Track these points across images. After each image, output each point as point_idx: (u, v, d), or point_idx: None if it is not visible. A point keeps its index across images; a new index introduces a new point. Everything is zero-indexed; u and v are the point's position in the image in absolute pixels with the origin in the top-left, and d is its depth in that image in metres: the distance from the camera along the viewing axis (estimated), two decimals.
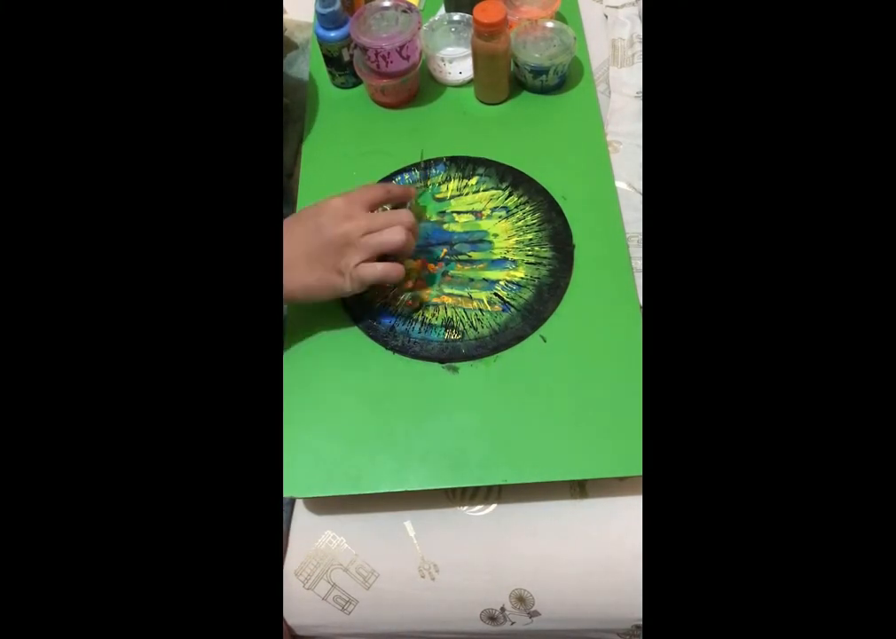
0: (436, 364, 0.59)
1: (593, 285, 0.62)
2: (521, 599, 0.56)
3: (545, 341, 0.60)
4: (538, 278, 0.63)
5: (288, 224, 0.56)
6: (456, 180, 0.69)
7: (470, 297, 0.62)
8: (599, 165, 0.69)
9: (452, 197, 0.68)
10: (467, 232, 0.66)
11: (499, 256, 0.64)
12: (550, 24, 0.72)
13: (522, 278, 0.63)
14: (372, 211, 0.57)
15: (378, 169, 0.70)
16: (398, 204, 0.62)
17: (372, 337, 0.61)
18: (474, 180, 0.69)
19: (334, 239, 0.54)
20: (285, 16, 0.85)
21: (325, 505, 0.59)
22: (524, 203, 0.67)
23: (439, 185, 0.69)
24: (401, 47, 0.68)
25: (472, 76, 0.73)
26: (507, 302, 0.62)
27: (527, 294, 0.62)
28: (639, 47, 0.78)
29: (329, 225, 0.54)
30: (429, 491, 0.56)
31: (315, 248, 0.54)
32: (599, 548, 0.56)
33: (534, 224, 0.66)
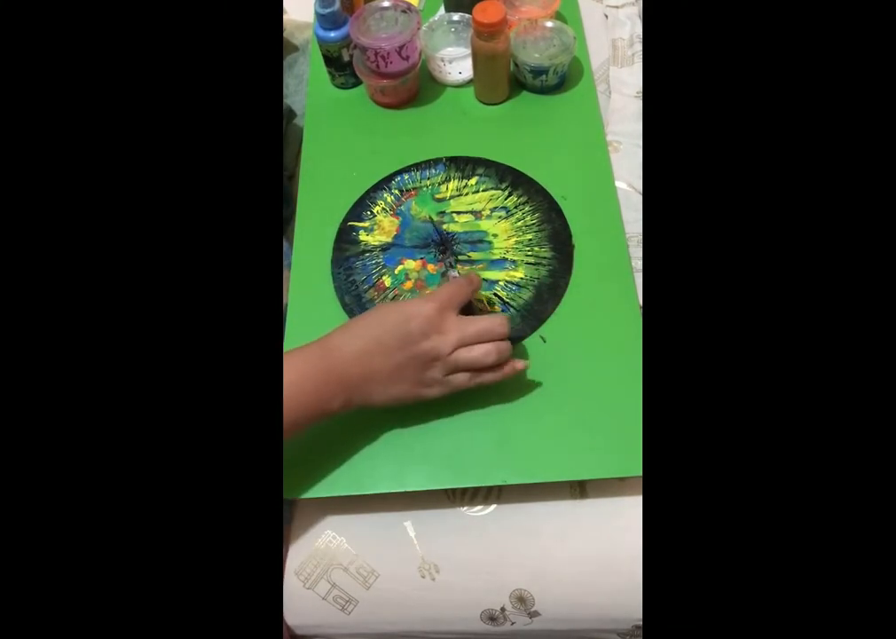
0: None
1: (592, 285, 0.62)
2: (521, 599, 0.56)
3: (544, 341, 0.60)
4: (537, 278, 0.63)
5: (371, 325, 0.51)
6: (456, 180, 0.69)
7: None
8: (599, 165, 0.69)
9: (452, 197, 0.68)
10: (466, 233, 0.66)
11: (498, 257, 0.64)
12: (550, 24, 0.72)
13: (521, 278, 0.63)
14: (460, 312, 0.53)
15: (378, 170, 0.70)
16: None
17: None
18: (473, 180, 0.69)
19: (423, 354, 0.50)
20: (285, 16, 0.85)
21: (325, 505, 0.59)
22: (524, 203, 0.67)
23: (439, 185, 0.69)
24: (400, 47, 0.68)
25: (472, 76, 0.73)
26: (507, 302, 0.62)
27: (526, 294, 0.62)
28: (639, 47, 0.78)
29: (419, 338, 0.49)
30: (429, 491, 0.56)
31: (401, 361, 0.50)
32: (599, 548, 0.56)
33: (534, 224, 0.66)
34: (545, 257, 0.64)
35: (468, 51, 0.71)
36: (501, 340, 0.52)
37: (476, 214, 0.67)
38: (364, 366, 0.50)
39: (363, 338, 0.50)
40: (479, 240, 0.66)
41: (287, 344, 0.61)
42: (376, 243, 0.66)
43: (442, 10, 0.80)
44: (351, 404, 0.51)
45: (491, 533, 0.57)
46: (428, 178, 0.70)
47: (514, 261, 0.64)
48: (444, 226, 0.67)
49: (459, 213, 0.67)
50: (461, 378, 0.52)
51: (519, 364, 0.54)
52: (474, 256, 0.65)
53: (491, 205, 0.68)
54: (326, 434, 0.56)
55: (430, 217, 0.67)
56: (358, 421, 0.57)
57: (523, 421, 0.56)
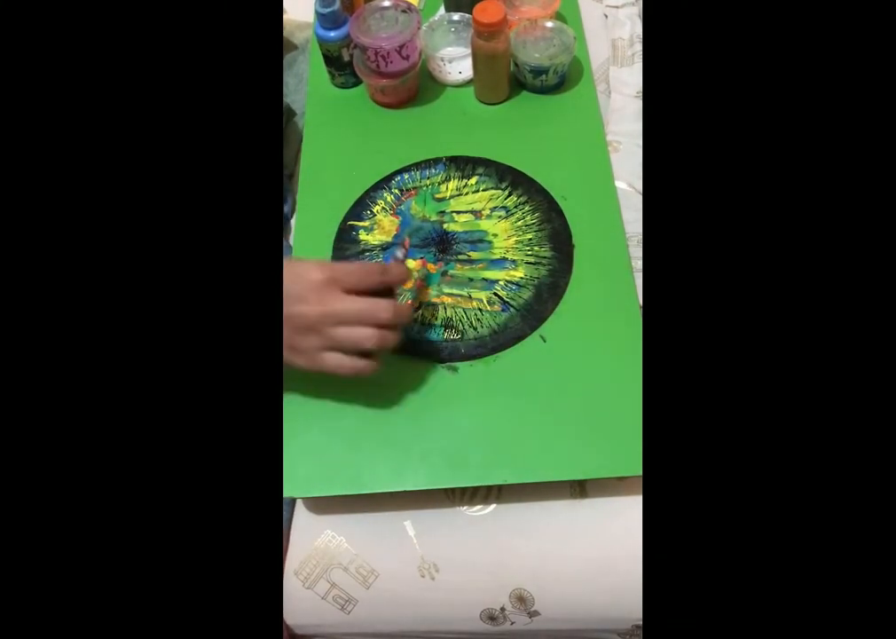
0: (436, 364, 0.59)
1: (592, 285, 0.62)
2: (521, 599, 0.56)
3: (544, 341, 0.60)
4: (537, 278, 0.63)
5: None
6: (456, 180, 0.69)
7: (470, 297, 0.62)
8: (599, 165, 0.69)
9: (452, 197, 0.68)
10: (466, 232, 0.66)
11: (498, 256, 0.64)
12: (550, 24, 0.72)
13: (521, 278, 0.63)
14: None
15: (378, 169, 0.70)
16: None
17: None
18: (473, 180, 0.69)
19: (293, 317, 0.48)
20: (285, 16, 0.85)
21: (325, 505, 0.59)
22: (524, 203, 0.67)
23: (439, 184, 0.69)
24: (400, 47, 0.68)
25: (472, 76, 0.73)
26: (507, 302, 0.62)
27: (526, 294, 0.62)
28: (639, 47, 0.78)
29: (293, 299, 0.48)
30: (429, 491, 0.56)
31: None
32: (599, 548, 0.56)
33: (534, 223, 0.66)
34: (545, 257, 0.64)
35: (468, 50, 0.71)
36: (386, 327, 0.49)
37: (476, 213, 0.67)
38: None
39: None
40: (479, 240, 0.65)
41: None
42: (376, 243, 0.66)
43: (442, 9, 0.80)
44: None
45: (491, 533, 0.57)
46: (428, 178, 0.70)
47: (514, 260, 0.64)
48: (445, 226, 0.67)
49: (459, 212, 0.67)
50: (332, 361, 0.49)
51: (369, 364, 0.50)
52: (474, 255, 0.65)
53: (491, 205, 0.68)
54: (326, 433, 0.57)
55: (427, 219, 0.67)
56: (359, 419, 0.57)
57: (523, 420, 0.56)
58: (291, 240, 0.69)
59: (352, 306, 0.49)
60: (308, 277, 0.48)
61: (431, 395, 0.58)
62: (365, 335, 0.49)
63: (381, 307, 0.49)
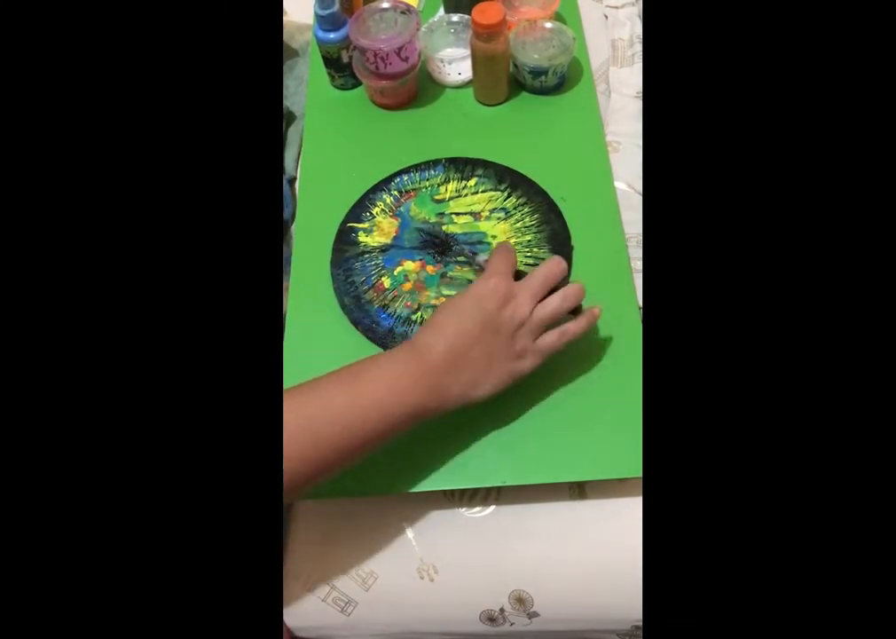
0: None
1: (592, 286, 0.62)
2: (520, 600, 0.55)
3: None
4: None
5: (449, 321, 0.50)
6: (455, 181, 0.69)
7: None
8: (598, 166, 0.69)
9: (451, 198, 0.68)
10: (465, 234, 0.66)
11: None
12: (549, 25, 0.72)
13: None
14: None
15: (378, 171, 0.70)
16: None
17: (371, 339, 0.61)
18: (473, 181, 0.69)
19: (507, 323, 0.50)
20: (285, 18, 0.85)
21: (324, 507, 0.59)
22: (523, 205, 0.67)
23: (438, 186, 0.69)
24: (400, 48, 0.68)
25: (471, 77, 0.74)
26: None
27: None
28: (639, 47, 0.78)
29: (497, 312, 0.50)
30: (428, 492, 0.56)
31: (490, 341, 0.50)
32: (598, 549, 0.56)
33: (533, 225, 0.66)
34: (544, 258, 0.64)
35: (468, 51, 0.71)
36: (565, 283, 0.54)
37: (476, 215, 0.67)
38: (457, 363, 0.49)
39: (447, 335, 0.50)
40: (478, 242, 0.65)
41: (287, 344, 0.61)
42: (375, 244, 0.66)
43: (441, 11, 0.80)
44: (448, 403, 0.50)
45: (490, 534, 0.57)
46: (428, 179, 0.70)
47: None
48: (444, 227, 0.67)
49: (458, 214, 0.67)
50: (549, 339, 0.52)
51: (596, 309, 0.55)
52: None
53: (490, 206, 0.67)
54: None
55: (427, 220, 0.67)
56: None
57: (523, 421, 0.56)
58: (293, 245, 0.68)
59: (536, 280, 0.52)
60: (490, 288, 0.51)
61: None
62: (560, 298, 0.52)
63: (552, 264, 0.53)
